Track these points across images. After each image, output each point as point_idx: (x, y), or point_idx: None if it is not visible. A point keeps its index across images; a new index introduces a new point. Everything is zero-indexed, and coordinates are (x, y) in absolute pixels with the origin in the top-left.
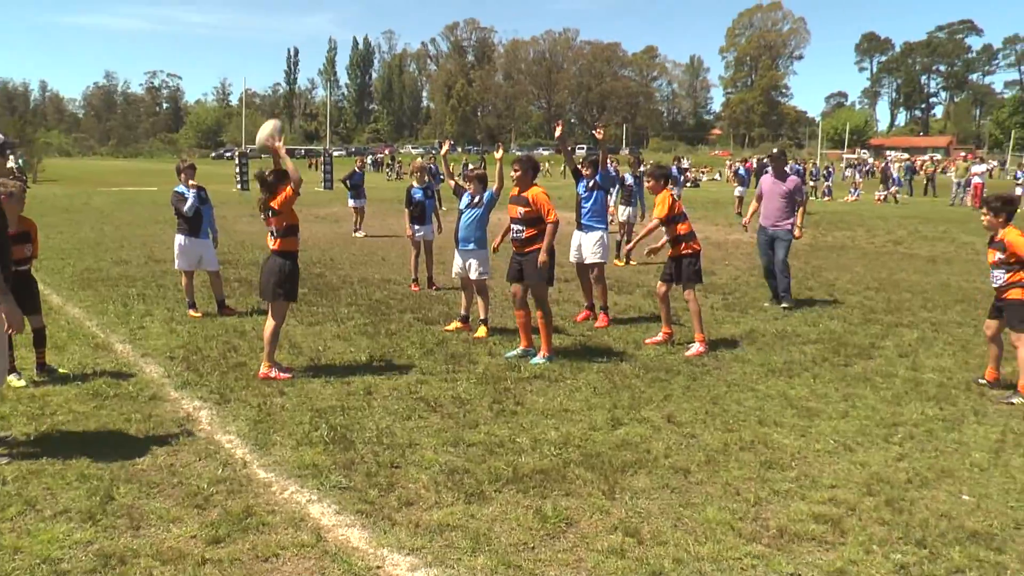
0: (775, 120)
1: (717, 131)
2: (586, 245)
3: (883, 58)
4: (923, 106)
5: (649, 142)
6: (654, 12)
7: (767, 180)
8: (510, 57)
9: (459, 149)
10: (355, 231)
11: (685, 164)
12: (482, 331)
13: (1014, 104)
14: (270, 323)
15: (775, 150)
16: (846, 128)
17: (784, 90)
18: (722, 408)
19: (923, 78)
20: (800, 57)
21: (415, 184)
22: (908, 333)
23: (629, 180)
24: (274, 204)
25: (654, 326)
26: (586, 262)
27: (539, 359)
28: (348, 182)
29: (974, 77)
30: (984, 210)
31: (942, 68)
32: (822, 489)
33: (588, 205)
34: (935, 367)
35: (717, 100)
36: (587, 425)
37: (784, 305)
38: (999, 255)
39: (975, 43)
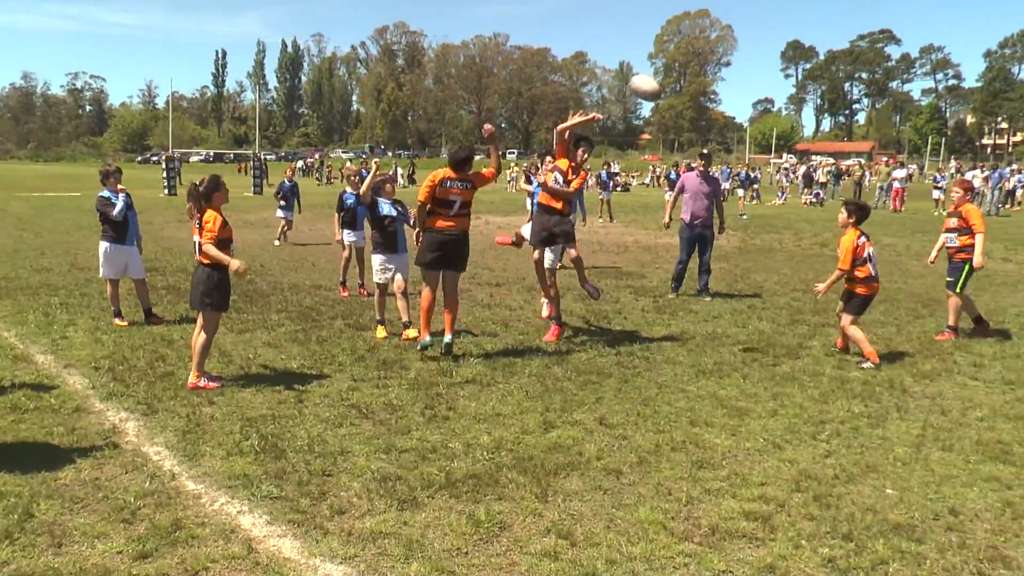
0: (704, 125)
1: (647, 136)
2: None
3: (808, 65)
4: (847, 112)
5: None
6: (583, 18)
7: (693, 180)
8: (440, 61)
9: (389, 153)
10: (276, 239)
11: (615, 169)
12: (412, 332)
13: (931, 111)
14: (200, 334)
15: (704, 151)
16: (773, 133)
17: (712, 96)
18: (653, 409)
19: (846, 85)
20: (728, 64)
21: (348, 189)
22: (834, 333)
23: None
24: (204, 220)
25: (586, 330)
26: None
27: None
28: (277, 195)
29: (894, 85)
30: (842, 208)
31: (864, 76)
32: (752, 487)
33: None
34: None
35: (646, 105)
36: (519, 429)
37: (707, 298)
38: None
39: (894, 52)
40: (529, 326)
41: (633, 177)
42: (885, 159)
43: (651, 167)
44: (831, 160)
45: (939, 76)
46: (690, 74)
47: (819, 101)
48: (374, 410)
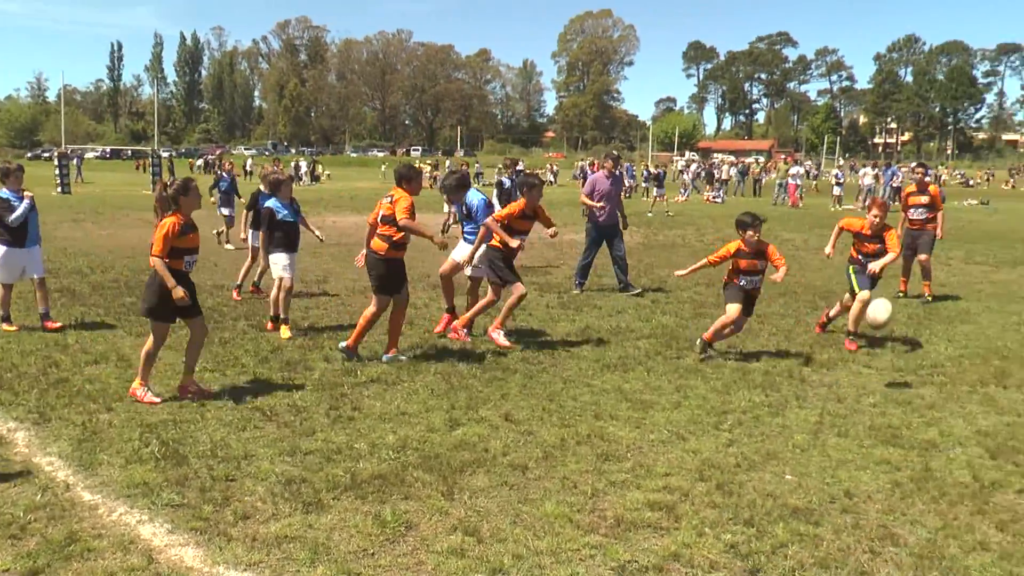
0: (607, 123)
1: (551, 134)
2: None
3: (709, 66)
4: (747, 111)
5: (483, 144)
6: (487, 15)
7: (603, 181)
8: (343, 57)
9: (292, 150)
10: (224, 242)
11: (520, 167)
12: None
13: (826, 111)
14: (148, 341)
15: (614, 152)
16: (676, 132)
17: (616, 95)
18: (559, 404)
19: (746, 85)
20: (631, 63)
21: (263, 189)
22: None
23: (507, 184)
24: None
25: (488, 325)
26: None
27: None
28: (215, 189)
29: (791, 85)
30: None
31: (763, 76)
32: (657, 477)
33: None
34: (761, 356)
35: (550, 103)
36: (425, 427)
37: (635, 292)
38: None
39: (791, 54)
40: (434, 324)
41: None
42: (784, 157)
43: (549, 165)
44: (731, 158)
45: (834, 78)
46: (593, 73)
47: (720, 100)
48: (278, 412)
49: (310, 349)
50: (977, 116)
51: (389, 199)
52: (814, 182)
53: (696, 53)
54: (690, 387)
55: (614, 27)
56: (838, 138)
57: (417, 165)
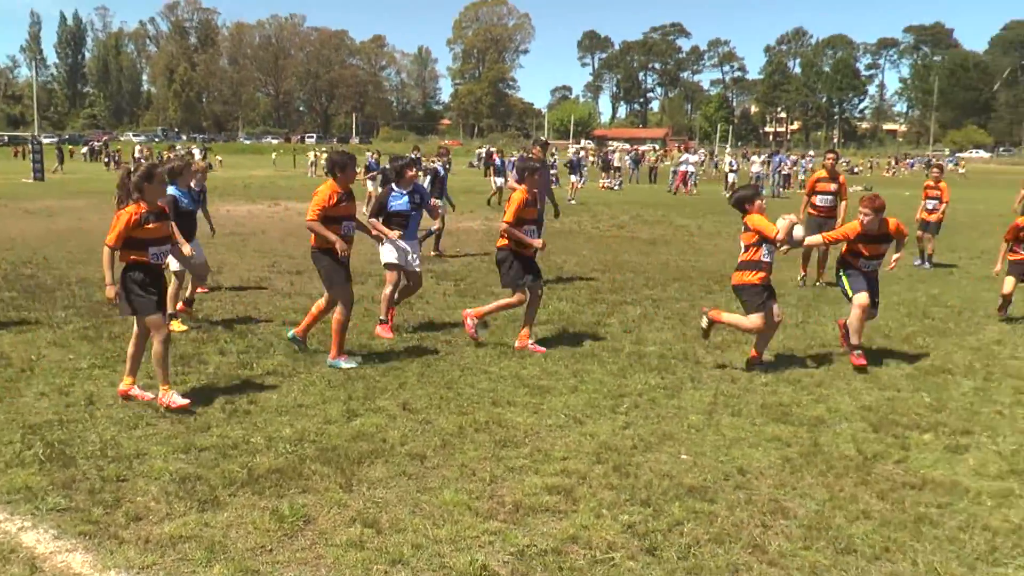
0: (503, 111)
1: (447, 121)
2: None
3: (604, 55)
4: (641, 100)
5: (379, 131)
6: (381, 2)
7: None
8: (235, 41)
9: (184, 137)
10: None
11: (417, 155)
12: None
13: (719, 101)
14: (133, 341)
15: (542, 139)
16: (571, 120)
17: (511, 82)
18: (456, 392)
19: (640, 75)
20: (526, 51)
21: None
22: (632, 310)
23: (442, 171)
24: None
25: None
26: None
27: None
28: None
29: (685, 75)
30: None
31: (657, 66)
32: (554, 462)
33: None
34: (656, 340)
35: (446, 91)
36: (322, 419)
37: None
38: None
39: (685, 44)
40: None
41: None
42: (678, 145)
43: (435, 155)
44: (626, 146)
45: (726, 68)
46: (489, 60)
47: (615, 89)
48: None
49: (204, 343)
50: (861, 106)
51: None
52: (713, 169)
53: (591, 42)
54: (587, 371)
55: (509, 15)
56: (731, 127)
57: (316, 153)
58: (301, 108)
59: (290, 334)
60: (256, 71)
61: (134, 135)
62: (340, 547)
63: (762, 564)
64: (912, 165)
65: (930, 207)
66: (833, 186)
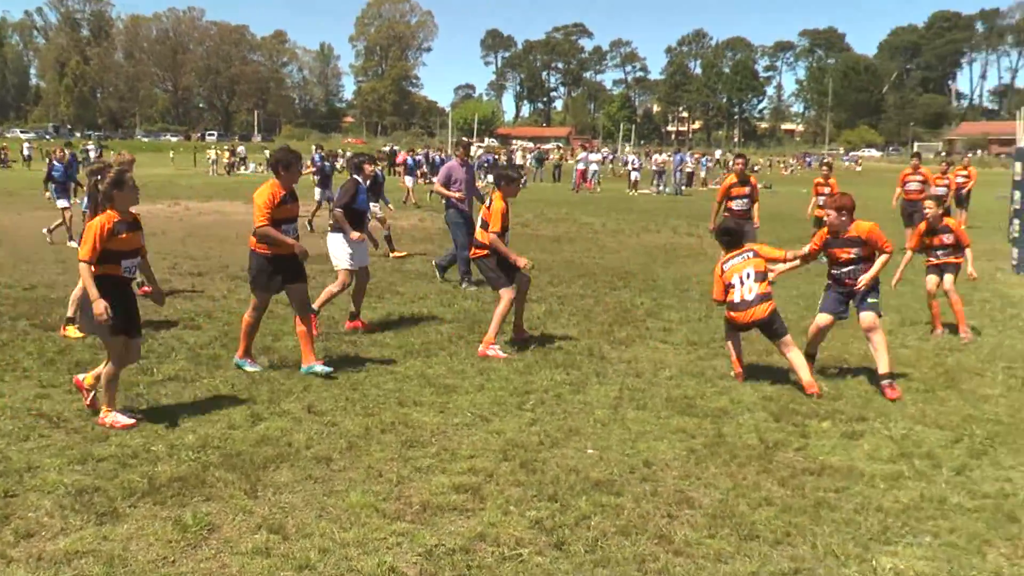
0: (407, 109)
1: (350, 119)
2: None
3: (507, 54)
4: (545, 99)
5: (282, 129)
6: None
7: (459, 168)
8: (130, 35)
9: (77, 134)
10: (68, 239)
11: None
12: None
13: (621, 100)
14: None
15: (464, 139)
16: (475, 118)
17: (415, 80)
18: (362, 393)
19: (544, 74)
20: (429, 49)
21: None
22: (537, 307)
23: (380, 176)
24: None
25: (289, 317)
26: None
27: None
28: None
29: (588, 75)
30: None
31: (560, 65)
32: (461, 460)
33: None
34: (562, 336)
35: (349, 88)
36: (226, 424)
37: (471, 284)
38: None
39: (587, 44)
40: (233, 316)
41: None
42: (581, 144)
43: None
44: (530, 144)
45: (628, 68)
46: (392, 58)
47: (518, 88)
48: (67, 418)
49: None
50: (759, 107)
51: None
52: (613, 167)
53: (494, 41)
54: (493, 369)
55: (411, 12)
56: (633, 126)
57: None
58: (201, 105)
59: (304, 369)
60: (153, 66)
61: (22, 131)
62: (245, 555)
63: (668, 554)
64: (809, 164)
65: (821, 203)
66: (746, 188)
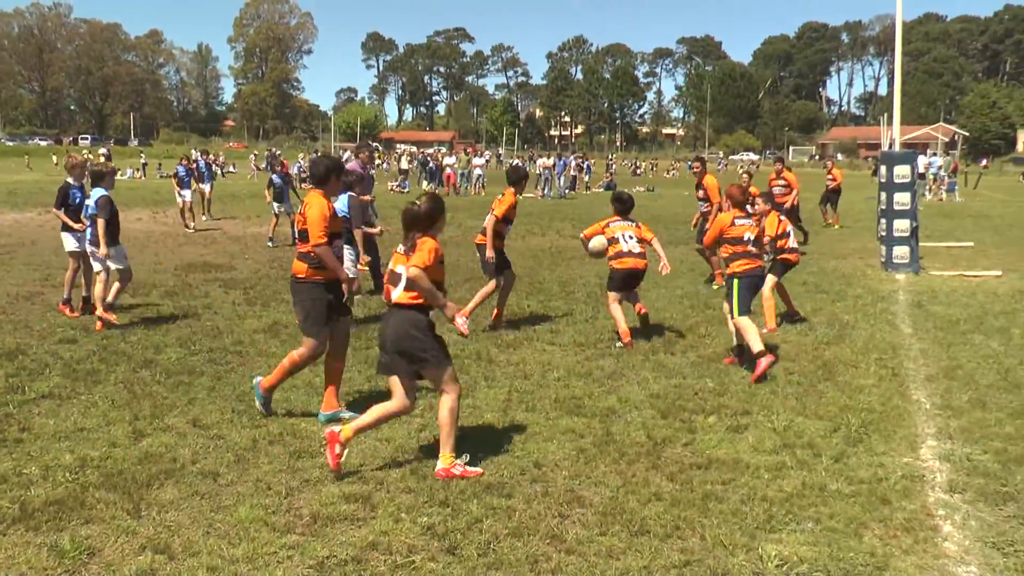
0: (288, 113)
1: (230, 122)
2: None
3: (388, 57)
4: (427, 103)
5: (159, 133)
6: None
7: (360, 172)
8: None
9: None
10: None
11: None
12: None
13: (504, 105)
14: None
15: (370, 143)
16: (358, 122)
17: (296, 83)
18: (249, 405)
19: (426, 78)
20: (310, 51)
21: (71, 181)
22: None
23: (277, 180)
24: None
25: (172, 327)
26: None
27: None
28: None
29: (470, 79)
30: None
31: (442, 69)
32: (351, 469)
33: None
34: (450, 341)
35: (229, 91)
36: (106, 442)
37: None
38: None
39: (469, 49)
40: (111, 328)
41: (219, 165)
42: (464, 148)
43: (212, 155)
44: (414, 148)
45: (510, 73)
46: (272, 60)
47: (401, 92)
48: None
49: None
50: (640, 112)
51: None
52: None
53: (375, 44)
54: (380, 377)
55: (291, 14)
56: (516, 130)
57: (86, 155)
58: (73, 107)
59: (322, 418)
60: (17, 65)
61: None
62: None
63: (560, 553)
64: (690, 167)
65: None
66: (700, 192)
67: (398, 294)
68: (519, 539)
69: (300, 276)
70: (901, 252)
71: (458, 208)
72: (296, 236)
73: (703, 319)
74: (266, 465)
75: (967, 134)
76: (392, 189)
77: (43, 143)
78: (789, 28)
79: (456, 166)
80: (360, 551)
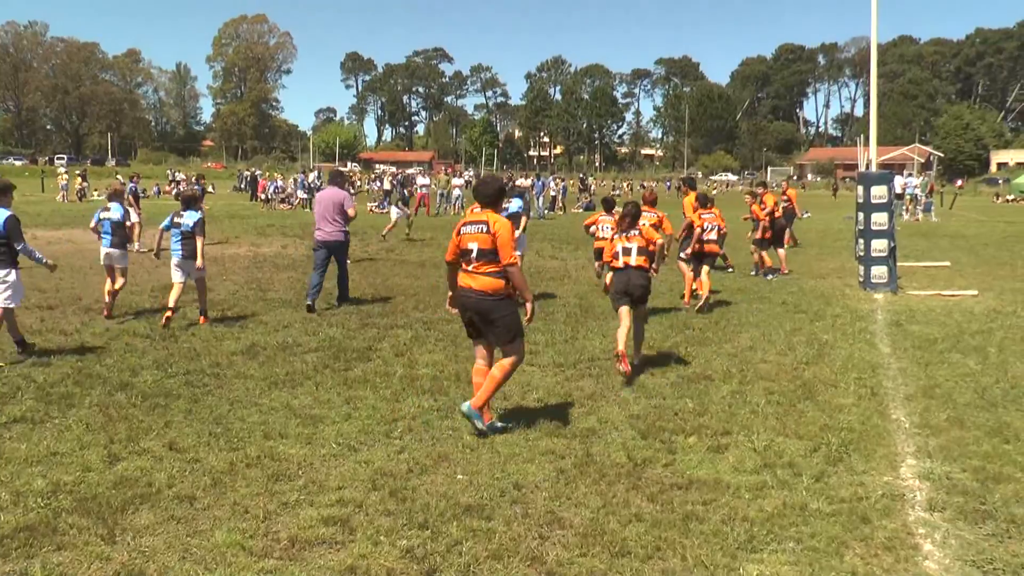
0: (267, 133)
1: (209, 142)
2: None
3: (367, 77)
4: (407, 123)
5: (138, 153)
6: (135, 12)
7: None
8: None
9: None
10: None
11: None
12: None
13: (483, 125)
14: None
15: (343, 167)
16: (337, 142)
17: (275, 103)
18: (226, 427)
19: (405, 98)
20: (289, 71)
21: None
22: (403, 333)
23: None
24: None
25: (149, 349)
26: None
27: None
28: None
29: (449, 99)
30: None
31: (421, 90)
32: (330, 492)
33: None
34: (428, 362)
35: (207, 110)
36: (80, 467)
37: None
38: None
39: (448, 69)
40: (86, 350)
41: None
42: (444, 168)
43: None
44: (393, 169)
45: (489, 93)
46: (251, 80)
47: (380, 112)
48: None
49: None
50: (619, 132)
51: (479, 227)
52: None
53: (354, 64)
54: (359, 398)
55: (270, 33)
56: (495, 150)
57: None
58: (49, 127)
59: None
60: None
61: None
62: None
63: (541, 575)
64: (668, 187)
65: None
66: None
67: (636, 259)
68: (499, 561)
69: (499, 293)
70: (879, 272)
71: (437, 228)
72: (474, 256)
73: (683, 340)
74: (243, 488)
75: (942, 155)
76: (371, 210)
77: (18, 162)
78: (766, 50)
79: (433, 186)
80: (338, 575)
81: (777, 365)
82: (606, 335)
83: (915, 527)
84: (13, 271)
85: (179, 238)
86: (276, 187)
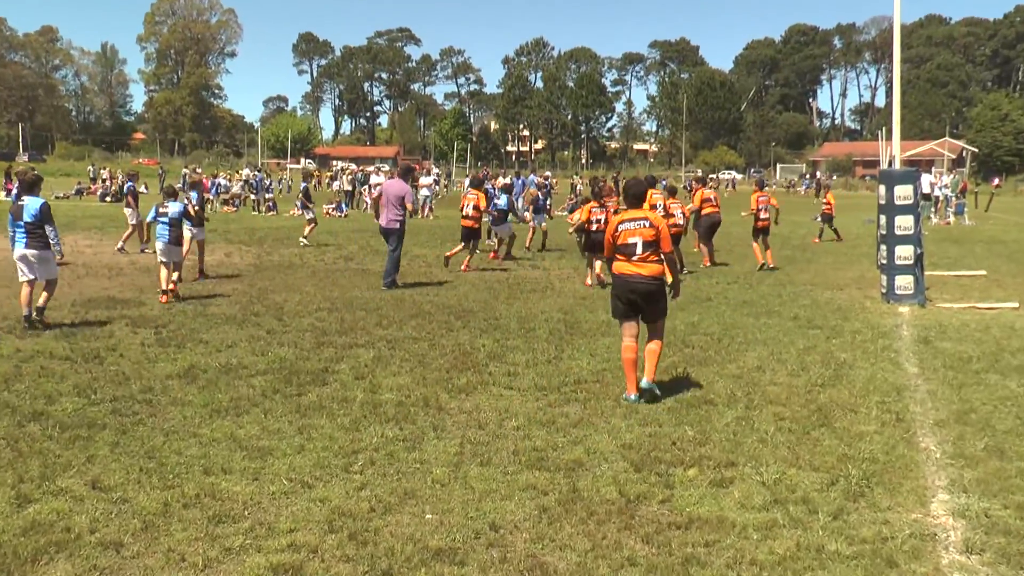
0: (209, 124)
1: (140, 135)
2: None
3: (323, 62)
4: (368, 114)
5: (55, 147)
6: None
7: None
8: None
9: None
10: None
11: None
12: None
13: (455, 116)
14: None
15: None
16: (289, 135)
17: (217, 91)
18: (160, 462)
19: (366, 85)
20: (233, 54)
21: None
22: (364, 353)
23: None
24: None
25: (68, 372)
26: None
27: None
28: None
29: (416, 87)
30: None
31: (384, 76)
32: (280, 535)
33: None
34: (393, 386)
35: (139, 99)
36: None
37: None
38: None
39: (415, 52)
40: (9, 375)
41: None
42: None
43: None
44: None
45: (461, 80)
46: (189, 64)
47: (338, 101)
48: None
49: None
50: (608, 125)
51: (641, 222)
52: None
53: (308, 47)
54: (314, 427)
55: (211, 10)
56: (469, 145)
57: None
58: None
59: (645, 384)
60: None
61: None
62: None
63: None
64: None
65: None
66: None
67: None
68: None
69: (662, 277)
70: (904, 282)
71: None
72: (639, 248)
73: (681, 359)
74: (180, 533)
75: (976, 150)
76: (328, 213)
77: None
78: (774, 32)
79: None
80: None
81: (788, 388)
82: (594, 354)
83: (949, 571)
84: (48, 251)
85: (166, 226)
86: (219, 186)
